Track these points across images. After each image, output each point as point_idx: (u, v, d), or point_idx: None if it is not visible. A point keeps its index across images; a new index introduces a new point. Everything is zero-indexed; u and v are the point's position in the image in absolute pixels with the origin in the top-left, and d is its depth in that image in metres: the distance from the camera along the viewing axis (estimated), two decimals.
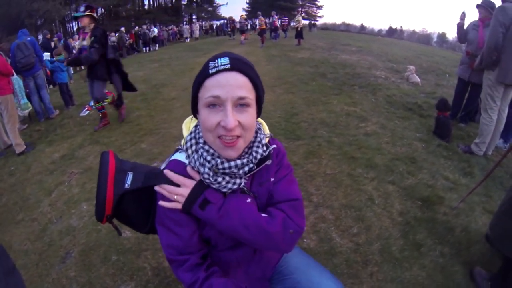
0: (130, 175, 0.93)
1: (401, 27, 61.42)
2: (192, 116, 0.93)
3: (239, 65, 0.76)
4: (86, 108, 5.83)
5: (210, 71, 0.75)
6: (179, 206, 0.84)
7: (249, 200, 0.88)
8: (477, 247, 2.07)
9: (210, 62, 0.76)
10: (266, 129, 0.96)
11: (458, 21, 4.03)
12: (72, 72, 10.81)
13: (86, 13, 4.03)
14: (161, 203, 0.85)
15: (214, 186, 0.84)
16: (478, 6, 3.58)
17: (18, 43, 5.01)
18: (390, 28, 59.06)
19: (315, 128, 4.14)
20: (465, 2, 3.68)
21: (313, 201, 2.57)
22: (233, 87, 0.74)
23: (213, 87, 0.74)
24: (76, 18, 4.32)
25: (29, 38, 5.32)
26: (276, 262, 1.12)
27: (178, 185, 0.85)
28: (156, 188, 0.86)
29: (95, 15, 4.19)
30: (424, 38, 51.34)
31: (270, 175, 0.94)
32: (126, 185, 0.91)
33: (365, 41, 17.66)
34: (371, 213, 2.39)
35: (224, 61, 0.75)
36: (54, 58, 6.47)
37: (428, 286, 1.79)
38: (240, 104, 0.76)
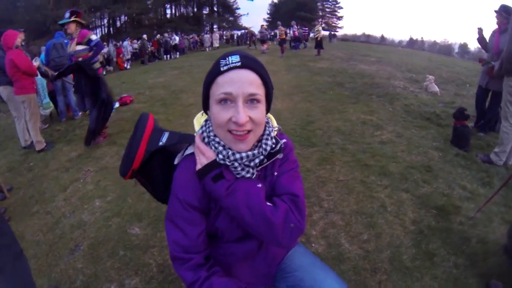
0: (166, 134, 0.97)
1: (421, 38, 60.62)
2: (202, 111, 0.96)
3: (249, 62, 0.79)
4: None
5: (222, 69, 0.78)
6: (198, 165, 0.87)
7: (259, 185, 0.89)
8: (494, 258, 1.98)
9: (221, 60, 0.79)
10: (274, 122, 0.99)
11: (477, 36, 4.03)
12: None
13: (72, 19, 4.01)
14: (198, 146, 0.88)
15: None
16: (495, 12, 3.52)
17: (55, 43, 5.21)
18: (411, 39, 58.41)
19: (330, 135, 4.12)
20: (487, 12, 3.61)
21: (323, 206, 2.54)
22: (244, 84, 0.77)
23: (225, 84, 0.77)
24: (62, 25, 4.22)
25: (66, 41, 5.58)
26: (281, 259, 1.11)
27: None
28: (194, 142, 0.90)
29: (81, 20, 4.17)
30: (445, 49, 50.34)
31: (274, 169, 0.95)
32: (161, 143, 0.94)
33: (384, 52, 17.49)
34: (383, 220, 2.34)
35: (235, 59, 0.78)
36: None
37: None
38: (251, 100, 0.79)
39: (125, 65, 15.87)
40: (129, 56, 16.70)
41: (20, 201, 3.10)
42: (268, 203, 0.88)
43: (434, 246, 2.09)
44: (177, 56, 18.81)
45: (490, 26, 3.88)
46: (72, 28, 4.09)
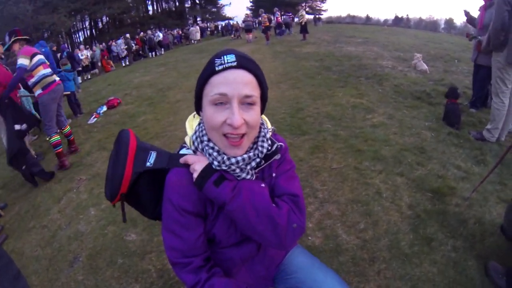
0: (153, 154, 0.91)
1: (407, 15, 60.43)
2: (194, 113, 0.92)
3: (245, 62, 0.75)
4: (94, 116, 5.97)
5: (217, 68, 0.74)
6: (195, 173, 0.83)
7: (263, 185, 0.87)
8: (492, 239, 1.97)
9: (216, 59, 0.75)
10: (268, 124, 0.96)
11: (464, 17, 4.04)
12: (80, 81, 11.02)
13: (12, 40, 3.77)
14: (187, 158, 0.86)
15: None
16: None
17: None
18: (396, 17, 58.03)
19: (320, 122, 4.06)
20: None
21: (318, 197, 2.50)
22: (240, 85, 0.74)
23: (219, 84, 0.74)
24: (8, 50, 3.98)
25: (43, 49, 5.36)
26: (280, 261, 1.09)
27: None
28: (181, 160, 0.86)
29: (22, 36, 3.88)
30: (431, 25, 50.28)
31: (272, 170, 0.93)
32: (148, 163, 0.89)
33: (371, 32, 17.28)
34: (379, 207, 2.31)
35: (231, 58, 0.74)
36: (61, 69, 6.56)
37: (440, 282, 1.70)
38: (247, 102, 0.76)
39: (122, 63, 15.96)
40: (125, 53, 16.54)
41: (16, 217, 3.05)
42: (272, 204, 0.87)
43: (432, 230, 2.06)
44: (162, 53, 18.48)
45: (476, 1, 3.83)
46: (17, 47, 3.78)
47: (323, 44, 11.50)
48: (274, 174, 0.93)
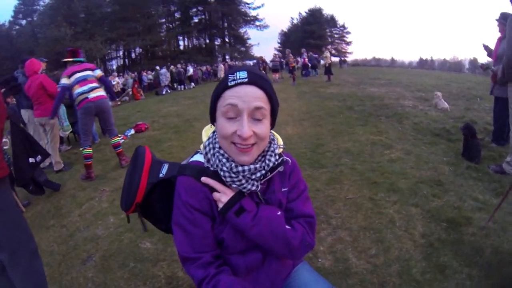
0: (165, 166, 1.03)
1: (431, 57, 60.65)
2: (210, 124, 1.01)
3: (256, 79, 0.82)
4: (122, 137, 6.28)
5: (229, 83, 0.82)
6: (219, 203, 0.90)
7: (279, 213, 0.94)
8: (509, 268, 1.91)
9: (230, 75, 0.83)
10: (280, 141, 1.02)
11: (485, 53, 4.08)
12: (111, 103, 11.67)
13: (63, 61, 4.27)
14: (215, 194, 0.91)
15: (234, 186, 0.90)
16: (496, 20, 3.60)
17: None
18: (421, 59, 58.50)
19: (339, 157, 4.16)
20: (493, 23, 3.64)
21: (332, 223, 2.55)
22: (250, 99, 0.80)
23: (231, 98, 0.81)
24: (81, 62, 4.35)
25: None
26: (286, 276, 1.12)
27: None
28: (203, 179, 0.91)
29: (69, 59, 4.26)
30: (455, 66, 49.96)
31: (283, 185, 1.01)
32: (161, 174, 0.99)
33: (395, 74, 17.59)
34: (391, 235, 2.32)
35: (243, 75, 0.82)
36: None
37: None
38: (256, 115, 0.82)
39: (163, 91, 17.28)
40: (167, 83, 18.07)
41: (37, 215, 3.28)
42: (287, 226, 0.94)
43: (445, 259, 2.04)
44: (191, 87, 19.52)
45: (497, 36, 3.90)
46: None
47: (347, 85, 11.85)
48: (284, 189, 1.00)
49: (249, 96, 0.81)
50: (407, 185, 3.08)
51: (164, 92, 17.26)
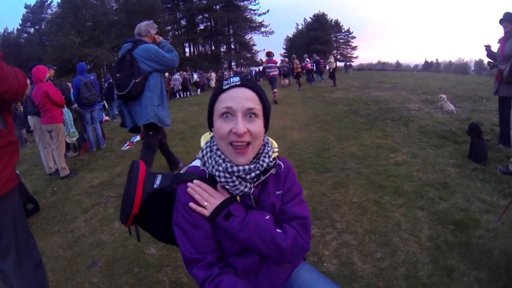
0: (159, 177, 1.06)
1: (436, 59, 60.29)
2: (209, 132, 1.07)
3: (247, 82, 0.93)
4: (127, 144, 6.38)
5: (224, 87, 0.92)
6: (205, 212, 0.94)
7: (267, 217, 0.96)
8: None
9: (224, 81, 0.93)
10: (274, 144, 1.06)
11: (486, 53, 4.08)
12: (116, 112, 11.70)
13: None
14: (191, 205, 0.94)
15: (227, 187, 0.93)
16: (500, 21, 3.59)
17: (85, 81, 5.73)
18: (426, 62, 58.22)
19: (344, 161, 4.15)
20: (497, 23, 3.63)
21: (337, 227, 2.54)
22: (243, 100, 0.89)
23: (226, 100, 0.89)
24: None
25: (92, 77, 6.11)
26: (286, 278, 1.12)
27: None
28: (189, 184, 0.96)
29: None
30: (461, 68, 49.66)
31: (277, 188, 1.03)
32: (155, 185, 1.03)
33: (400, 77, 17.54)
34: (397, 238, 2.31)
35: (236, 79, 0.92)
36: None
37: None
38: (249, 114, 0.89)
39: (177, 96, 17.82)
40: (181, 87, 18.70)
41: (43, 220, 3.30)
42: (278, 230, 0.96)
43: (453, 262, 2.02)
44: (198, 93, 19.69)
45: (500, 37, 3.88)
46: None
47: (353, 89, 11.85)
48: (278, 192, 1.03)
49: (241, 97, 0.89)
50: (413, 188, 3.06)
51: (178, 97, 17.64)
